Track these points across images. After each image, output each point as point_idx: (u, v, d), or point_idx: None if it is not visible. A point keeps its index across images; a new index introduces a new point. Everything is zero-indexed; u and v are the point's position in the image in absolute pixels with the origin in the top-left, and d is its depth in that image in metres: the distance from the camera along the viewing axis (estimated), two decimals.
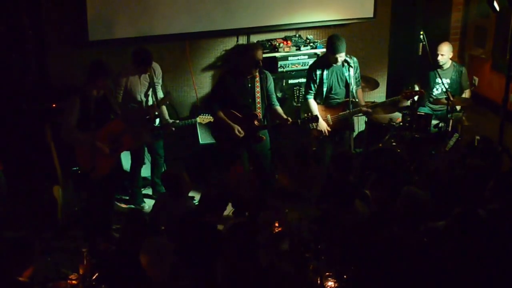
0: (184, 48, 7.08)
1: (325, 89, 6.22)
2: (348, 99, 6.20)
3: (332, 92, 6.24)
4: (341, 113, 6.25)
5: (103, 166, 5.47)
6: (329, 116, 6.26)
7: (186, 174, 5.23)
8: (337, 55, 6.07)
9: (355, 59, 6.30)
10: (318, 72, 6.20)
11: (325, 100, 6.29)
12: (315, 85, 6.25)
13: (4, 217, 5.70)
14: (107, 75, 5.45)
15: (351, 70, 6.15)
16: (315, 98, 6.34)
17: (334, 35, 6.22)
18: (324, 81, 6.19)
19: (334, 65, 6.17)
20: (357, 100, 6.33)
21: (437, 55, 6.71)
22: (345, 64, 6.15)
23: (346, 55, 6.15)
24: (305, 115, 6.09)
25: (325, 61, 6.22)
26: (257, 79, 5.89)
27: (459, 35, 7.79)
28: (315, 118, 6.04)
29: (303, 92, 6.66)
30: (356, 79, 6.31)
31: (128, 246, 4.29)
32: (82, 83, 5.52)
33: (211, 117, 6.23)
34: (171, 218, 4.97)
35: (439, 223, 4.41)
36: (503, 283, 4.09)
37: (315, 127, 6.20)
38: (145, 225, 4.49)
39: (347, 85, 6.23)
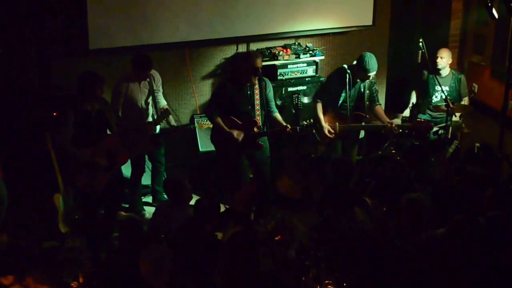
0: (184, 56, 7.11)
1: (341, 100, 6.23)
2: (359, 112, 6.23)
3: (346, 103, 6.22)
4: (351, 124, 6.23)
5: (98, 182, 5.43)
6: (337, 124, 6.28)
7: (188, 181, 5.23)
8: (370, 74, 6.11)
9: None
10: (339, 87, 6.18)
11: (338, 109, 6.30)
12: (327, 95, 6.29)
13: (5, 225, 5.70)
14: (102, 82, 5.39)
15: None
16: (327, 106, 6.35)
17: (367, 54, 6.14)
18: (342, 93, 6.20)
19: (358, 80, 6.18)
20: (366, 115, 6.33)
21: (436, 57, 6.72)
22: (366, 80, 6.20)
23: None
24: (304, 122, 6.11)
25: (351, 80, 6.17)
26: (257, 86, 5.90)
27: (458, 43, 7.81)
28: (314, 125, 6.05)
29: (302, 99, 6.67)
30: (372, 94, 6.32)
31: (127, 254, 4.29)
32: (76, 98, 5.43)
33: (209, 123, 6.23)
34: (171, 226, 4.98)
35: (438, 230, 4.42)
36: None
37: (315, 133, 6.22)
38: (142, 233, 4.49)
39: (361, 99, 6.25)
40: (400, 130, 6.38)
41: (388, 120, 6.30)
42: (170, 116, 6.28)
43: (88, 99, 5.34)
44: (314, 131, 6.17)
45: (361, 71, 6.11)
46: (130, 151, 5.83)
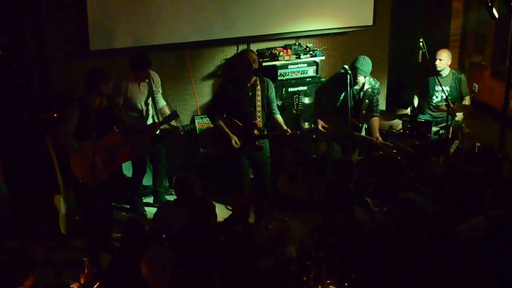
0: (185, 57, 7.11)
1: (338, 104, 6.20)
2: (353, 120, 6.15)
3: (344, 107, 6.18)
4: (342, 128, 6.20)
5: (97, 176, 5.42)
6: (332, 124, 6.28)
7: (198, 183, 5.19)
8: (359, 75, 6.05)
9: (377, 84, 6.25)
10: (337, 93, 6.15)
11: (335, 112, 6.27)
12: (325, 96, 6.28)
13: (6, 227, 5.71)
14: (108, 79, 5.40)
15: (368, 87, 6.14)
16: (326, 108, 6.34)
17: (360, 57, 6.13)
18: (340, 98, 6.17)
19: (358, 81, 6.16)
20: (360, 124, 6.28)
21: (435, 59, 6.72)
22: (365, 87, 6.15)
23: (371, 78, 6.15)
24: (306, 126, 6.11)
25: (348, 84, 6.12)
26: (258, 87, 5.89)
27: (459, 42, 7.83)
28: (314, 130, 6.04)
29: (303, 100, 6.65)
30: (372, 104, 6.26)
31: (128, 255, 4.29)
32: (83, 93, 5.48)
33: (209, 122, 6.23)
34: (172, 226, 4.98)
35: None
36: None
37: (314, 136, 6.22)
38: (144, 234, 4.49)
39: (359, 105, 6.20)
40: (395, 130, 6.38)
41: (377, 135, 6.23)
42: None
43: (93, 95, 5.34)
44: (314, 136, 6.17)
45: (351, 70, 6.07)
46: (132, 151, 5.83)
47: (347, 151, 6.39)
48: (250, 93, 5.87)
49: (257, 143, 5.93)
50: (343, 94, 6.12)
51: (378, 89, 6.29)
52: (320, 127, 6.24)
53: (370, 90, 6.21)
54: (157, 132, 6.28)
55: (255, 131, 5.90)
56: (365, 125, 6.38)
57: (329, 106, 6.31)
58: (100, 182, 5.43)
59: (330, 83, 6.43)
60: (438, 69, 6.75)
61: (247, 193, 5.59)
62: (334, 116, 6.27)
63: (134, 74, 6.07)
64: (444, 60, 6.76)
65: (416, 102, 7.01)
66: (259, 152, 5.95)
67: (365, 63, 6.06)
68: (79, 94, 5.80)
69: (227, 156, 6.01)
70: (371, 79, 6.21)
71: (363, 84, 6.16)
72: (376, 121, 6.33)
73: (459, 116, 6.63)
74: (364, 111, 6.26)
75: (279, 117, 6.02)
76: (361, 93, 6.21)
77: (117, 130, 5.61)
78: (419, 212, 4.22)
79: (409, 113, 6.82)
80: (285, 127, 5.90)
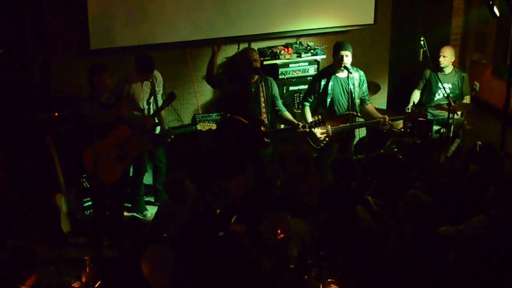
0: (186, 56, 7.11)
1: (328, 100, 6.16)
2: (350, 112, 6.08)
3: (335, 103, 6.17)
4: (342, 125, 6.18)
5: (111, 174, 5.44)
6: (329, 127, 6.20)
7: (189, 181, 5.23)
8: (342, 52, 6.00)
9: (361, 72, 6.21)
10: (323, 83, 6.14)
11: (328, 111, 6.23)
12: (315, 95, 6.22)
13: (7, 226, 5.71)
14: (101, 72, 5.62)
15: (355, 75, 6.06)
16: (317, 108, 6.32)
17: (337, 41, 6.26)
18: (329, 92, 6.13)
19: (340, 75, 6.11)
20: (358, 114, 6.22)
21: (439, 56, 6.72)
22: (351, 76, 6.05)
23: (352, 68, 6.08)
24: (315, 117, 6.09)
25: (330, 71, 6.17)
26: (261, 84, 5.90)
27: (460, 41, 7.81)
28: (323, 121, 6.00)
29: (300, 99, 6.65)
30: (363, 93, 6.23)
31: (130, 254, 4.30)
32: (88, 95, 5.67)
33: (211, 124, 6.23)
34: (173, 225, 4.98)
35: (441, 229, 4.43)
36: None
37: (308, 138, 6.19)
38: (144, 233, 4.50)
39: (351, 97, 6.12)
40: (396, 128, 6.34)
41: (380, 116, 6.21)
42: (164, 120, 6.27)
43: (97, 92, 5.58)
44: (318, 129, 6.15)
45: (335, 53, 6.08)
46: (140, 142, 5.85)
47: (346, 149, 6.34)
48: (253, 89, 5.88)
49: (265, 139, 5.93)
50: (330, 84, 6.09)
51: (364, 76, 6.24)
52: (319, 134, 6.19)
53: (357, 77, 6.14)
54: (157, 131, 6.29)
55: (262, 128, 5.91)
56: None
57: (321, 105, 6.25)
58: (115, 179, 5.51)
59: (313, 81, 6.36)
60: (442, 66, 6.76)
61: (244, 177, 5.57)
62: (328, 114, 6.22)
63: (138, 75, 6.09)
64: (448, 57, 6.77)
65: (416, 97, 6.98)
66: (267, 148, 5.95)
67: (345, 43, 6.11)
68: (80, 93, 5.82)
69: (234, 154, 5.99)
70: (353, 68, 6.13)
71: (348, 72, 6.08)
72: (371, 106, 6.33)
73: (459, 114, 6.62)
74: (358, 100, 6.17)
75: (287, 114, 6.05)
76: (349, 82, 6.08)
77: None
78: (425, 211, 4.22)
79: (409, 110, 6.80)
80: (296, 122, 5.92)
